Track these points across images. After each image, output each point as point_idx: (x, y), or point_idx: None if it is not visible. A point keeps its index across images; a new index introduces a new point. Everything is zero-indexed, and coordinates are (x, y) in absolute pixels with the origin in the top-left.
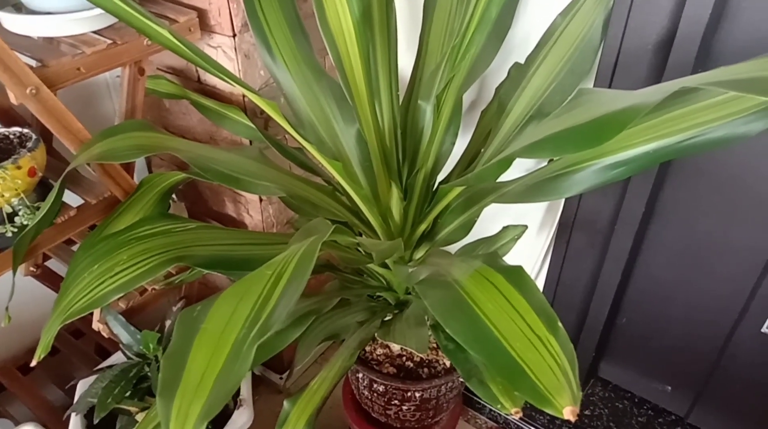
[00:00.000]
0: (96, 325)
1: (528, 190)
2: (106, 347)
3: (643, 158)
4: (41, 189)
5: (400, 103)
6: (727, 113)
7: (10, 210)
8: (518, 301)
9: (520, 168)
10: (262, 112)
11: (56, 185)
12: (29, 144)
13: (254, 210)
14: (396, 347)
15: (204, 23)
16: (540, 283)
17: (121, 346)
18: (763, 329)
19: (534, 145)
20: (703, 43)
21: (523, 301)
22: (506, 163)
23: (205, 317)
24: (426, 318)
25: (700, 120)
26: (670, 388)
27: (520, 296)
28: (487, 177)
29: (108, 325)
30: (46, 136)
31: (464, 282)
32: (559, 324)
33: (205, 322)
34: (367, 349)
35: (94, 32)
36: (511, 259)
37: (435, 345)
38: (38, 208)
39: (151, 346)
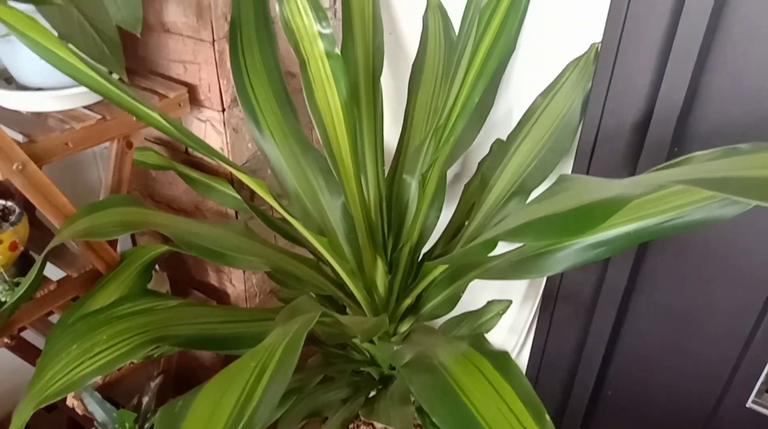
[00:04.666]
0: (70, 402)
1: (511, 268)
2: (79, 422)
3: (624, 238)
4: (21, 261)
5: (386, 175)
6: (704, 197)
7: None
8: (504, 389)
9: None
10: None
11: (38, 262)
12: (12, 218)
13: (237, 280)
14: (380, 426)
15: (194, 98)
16: (525, 355)
17: (95, 424)
18: (748, 404)
19: (517, 229)
20: (679, 124)
21: (510, 389)
22: (490, 245)
23: (187, 413)
24: (411, 396)
25: (678, 202)
26: None
27: (506, 384)
28: (471, 257)
29: (83, 401)
30: (28, 205)
31: (450, 366)
32: (547, 416)
33: (186, 420)
34: (350, 427)
35: (84, 107)
36: (495, 330)
37: (419, 423)
38: (17, 284)
39: (127, 425)
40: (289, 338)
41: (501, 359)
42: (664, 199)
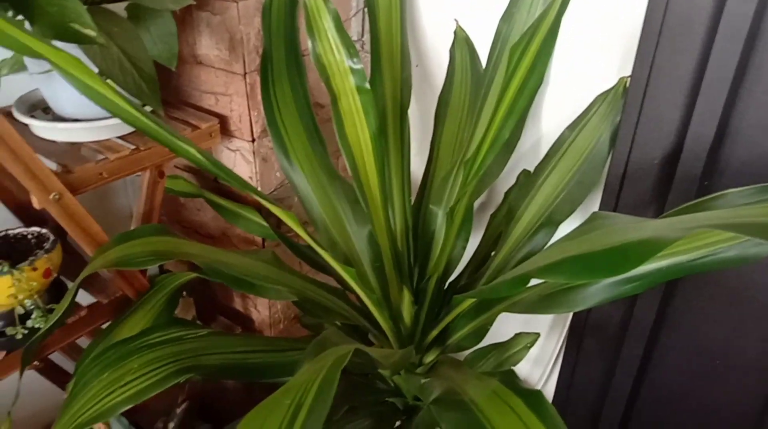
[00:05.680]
0: (97, 426)
1: (540, 301)
2: None
3: (656, 274)
4: (54, 288)
5: (412, 205)
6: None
7: (22, 311)
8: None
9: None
10: None
11: (71, 289)
12: (46, 245)
13: (262, 306)
14: None
15: (225, 129)
16: (550, 387)
17: None
18: None
19: (551, 266)
20: (709, 158)
21: None
22: (522, 281)
23: None
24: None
25: (712, 239)
26: None
27: (540, 424)
28: (502, 291)
29: (110, 426)
30: (60, 230)
31: (481, 404)
32: None
33: None
34: None
35: (118, 137)
36: (522, 362)
37: None
38: (50, 311)
39: None
40: (323, 375)
41: (534, 398)
42: (698, 235)
